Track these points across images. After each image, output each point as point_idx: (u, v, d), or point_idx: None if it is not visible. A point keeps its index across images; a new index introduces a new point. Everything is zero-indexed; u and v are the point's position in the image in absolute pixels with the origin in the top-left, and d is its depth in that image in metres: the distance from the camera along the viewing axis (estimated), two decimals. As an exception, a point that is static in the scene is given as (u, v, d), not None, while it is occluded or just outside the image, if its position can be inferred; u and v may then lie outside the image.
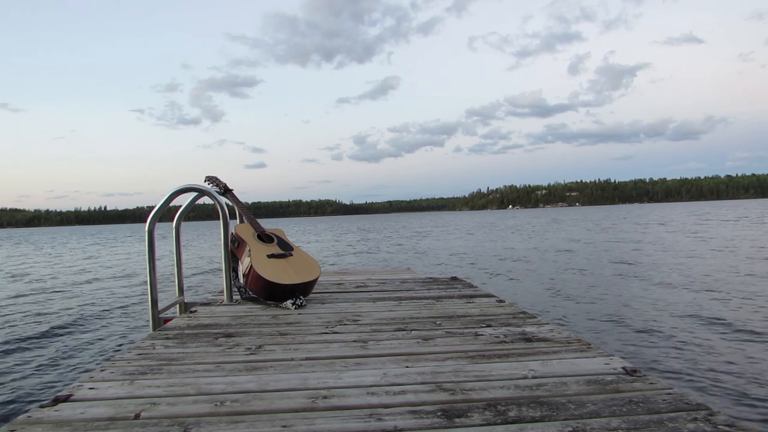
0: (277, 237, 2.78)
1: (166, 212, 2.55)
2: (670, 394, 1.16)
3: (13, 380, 3.70)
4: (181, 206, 2.82)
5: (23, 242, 37.68)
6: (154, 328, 2.37)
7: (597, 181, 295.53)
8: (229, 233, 2.64)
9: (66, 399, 1.20)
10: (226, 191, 2.92)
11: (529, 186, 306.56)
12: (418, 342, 1.69)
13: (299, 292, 2.46)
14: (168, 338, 1.82)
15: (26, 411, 1.13)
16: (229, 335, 1.85)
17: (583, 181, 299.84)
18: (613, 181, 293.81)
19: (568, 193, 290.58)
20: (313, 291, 2.81)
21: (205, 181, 2.93)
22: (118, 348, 4.57)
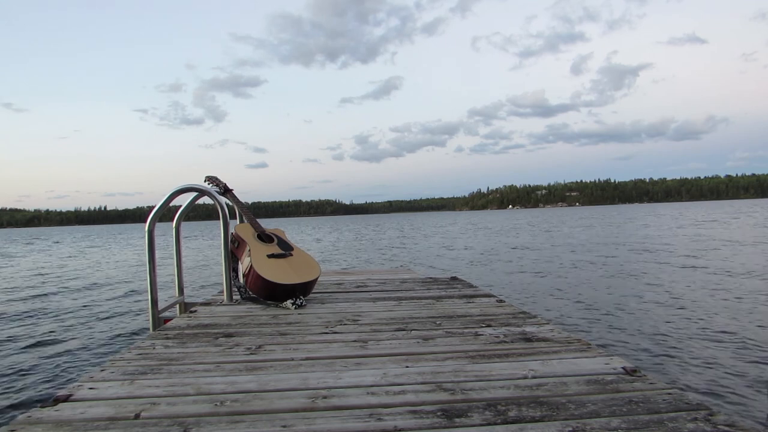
0: (277, 237, 2.78)
1: (166, 212, 2.55)
2: (670, 394, 1.16)
3: (13, 380, 3.70)
4: (181, 206, 2.82)
5: (24, 242, 37.69)
6: (154, 328, 2.37)
7: (597, 181, 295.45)
8: (229, 233, 2.64)
9: (66, 399, 1.20)
10: (226, 191, 2.92)
11: (529, 186, 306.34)
12: (418, 342, 1.69)
13: (299, 292, 2.46)
14: (168, 338, 1.82)
15: (26, 411, 1.13)
16: (229, 335, 1.85)
17: (583, 181, 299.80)
18: (613, 181, 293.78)
19: (568, 193, 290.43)
20: (313, 291, 2.81)
21: (205, 181, 2.93)
22: (118, 348, 4.57)
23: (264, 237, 2.75)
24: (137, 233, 49.91)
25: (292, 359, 1.52)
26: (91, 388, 1.28)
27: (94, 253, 20.32)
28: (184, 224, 2.86)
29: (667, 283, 7.25)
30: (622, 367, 1.34)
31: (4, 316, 6.35)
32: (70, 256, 18.43)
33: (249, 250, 2.57)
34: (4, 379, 3.73)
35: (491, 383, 1.26)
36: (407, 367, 1.42)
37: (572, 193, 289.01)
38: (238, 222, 2.92)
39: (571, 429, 0.99)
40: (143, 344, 1.74)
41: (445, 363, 1.44)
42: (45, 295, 8.25)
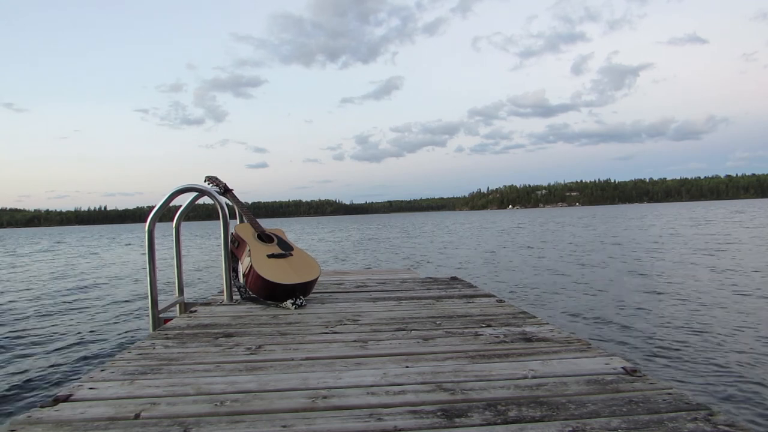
0: (277, 237, 2.78)
1: (166, 212, 2.55)
2: (670, 394, 1.16)
3: (13, 380, 3.70)
4: (181, 206, 2.82)
5: (24, 243, 37.66)
6: (154, 328, 2.37)
7: (597, 181, 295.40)
8: (229, 233, 2.64)
9: (66, 399, 1.20)
10: (226, 191, 2.92)
11: (529, 186, 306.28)
12: (418, 342, 1.69)
13: (299, 292, 2.46)
14: (168, 338, 1.82)
15: (26, 411, 1.13)
16: (229, 335, 1.85)
17: (584, 181, 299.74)
18: (613, 181, 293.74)
19: (568, 193, 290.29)
20: (313, 291, 2.81)
21: (205, 181, 2.93)
22: (118, 348, 4.57)
23: (264, 237, 2.75)
24: (137, 233, 49.91)
25: (292, 359, 1.52)
26: (91, 388, 1.28)
27: (94, 253, 20.32)
28: (184, 224, 2.86)
29: (667, 282, 7.25)
30: (622, 367, 1.34)
31: (5, 316, 6.35)
32: (70, 257, 18.43)
33: (249, 250, 2.57)
34: (5, 378, 3.73)
35: (491, 383, 1.26)
36: (407, 367, 1.42)
37: (572, 193, 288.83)
38: (238, 222, 2.92)
39: (571, 429, 0.99)
40: (143, 344, 1.74)
41: (445, 363, 1.44)
42: (45, 295, 8.25)
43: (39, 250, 23.88)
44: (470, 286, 2.98)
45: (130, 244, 26.22)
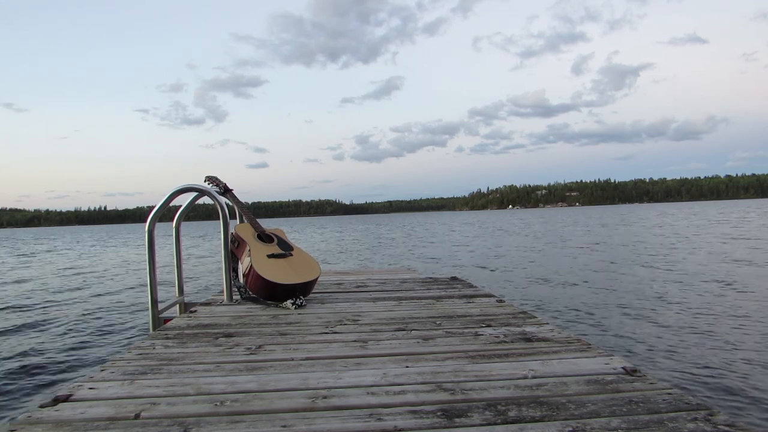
0: (277, 237, 2.78)
1: (166, 212, 2.55)
2: (670, 394, 1.16)
3: (13, 380, 3.70)
4: (181, 206, 2.82)
5: (26, 243, 37.66)
6: (154, 328, 2.37)
7: (597, 181, 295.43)
8: (229, 233, 2.64)
9: (66, 399, 1.20)
10: (225, 191, 2.92)
11: (529, 186, 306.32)
12: (418, 342, 1.69)
13: (299, 292, 2.46)
14: (168, 338, 1.82)
15: (26, 411, 1.13)
16: (229, 335, 1.85)
17: (583, 181, 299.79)
18: (613, 181, 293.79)
19: (568, 193, 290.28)
20: (313, 291, 2.81)
21: (205, 181, 2.93)
22: (118, 348, 4.57)
23: (264, 237, 2.75)
24: (137, 233, 49.92)
25: (292, 359, 1.52)
26: (91, 388, 1.28)
27: (94, 253, 20.32)
28: (184, 224, 2.86)
29: (668, 282, 7.24)
30: (622, 367, 1.34)
31: (6, 315, 6.35)
32: (70, 257, 18.43)
33: (249, 250, 2.57)
34: (5, 378, 3.73)
35: (491, 383, 1.26)
36: (407, 367, 1.42)
37: (572, 193, 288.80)
38: (238, 222, 2.92)
39: (571, 429, 0.99)
40: (143, 344, 1.74)
41: (445, 363, 1.44)
42: (45, 294, 8.25)
43: (40, 251, 23.88)
44: (470, 286, 2.98)
45: (139, 245, 26.22)
